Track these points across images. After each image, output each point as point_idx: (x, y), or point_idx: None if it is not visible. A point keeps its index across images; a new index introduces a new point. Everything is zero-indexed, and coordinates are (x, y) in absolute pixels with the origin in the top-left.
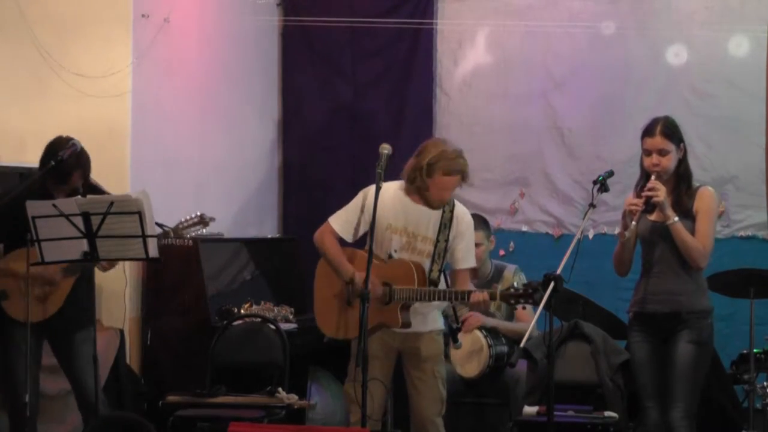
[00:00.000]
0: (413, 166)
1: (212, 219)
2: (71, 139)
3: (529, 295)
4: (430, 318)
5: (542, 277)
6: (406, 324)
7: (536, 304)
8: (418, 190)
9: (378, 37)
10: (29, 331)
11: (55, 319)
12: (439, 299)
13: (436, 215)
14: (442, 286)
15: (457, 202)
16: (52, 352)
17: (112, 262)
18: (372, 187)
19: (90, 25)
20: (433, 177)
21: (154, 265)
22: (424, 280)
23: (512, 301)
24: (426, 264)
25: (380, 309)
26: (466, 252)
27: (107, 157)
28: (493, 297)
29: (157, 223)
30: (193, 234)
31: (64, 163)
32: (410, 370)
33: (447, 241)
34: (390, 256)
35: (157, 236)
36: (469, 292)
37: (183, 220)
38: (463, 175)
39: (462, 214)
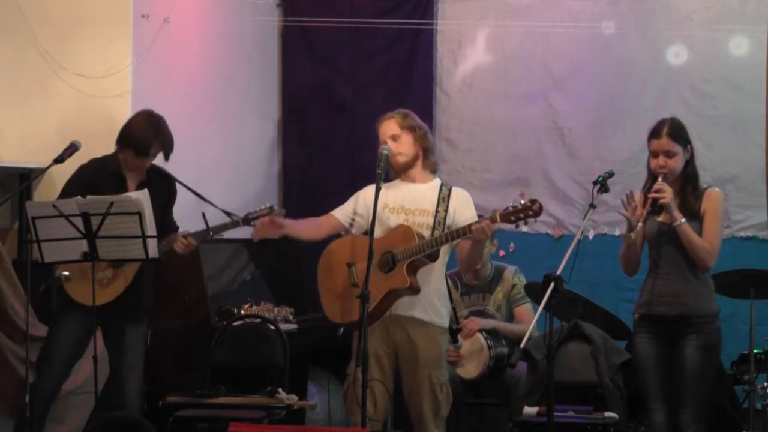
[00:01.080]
0: None
1: (283, 210)
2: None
3: (528, 207)
4: (432, 308)
5: (542, 278)
6: (416, 287)
7: (537, 215)
8: (397, 164)
9: (378, 37)
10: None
11: (112, 307)
12: (442, 243)
13: (433, 192)
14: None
15: (455, 187)
16: (104, 341)
17: (189, 243)
18: (367, 188)
19: (90, 25)
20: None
21: (154, 266)
22: (423, 238)
23: (513, 218)
24: (426, 235)
25: (386, 277)
26: (471, 221)
27: None
28: (494, 220)
29: (225, 212)
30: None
31: (142, 138)
32: (405, 375)
33: (446, 211)
34: None
35: (227, 225)
36: (470, 225)
37: (254, 210)
38: (399, 116)
39: (460, 191)
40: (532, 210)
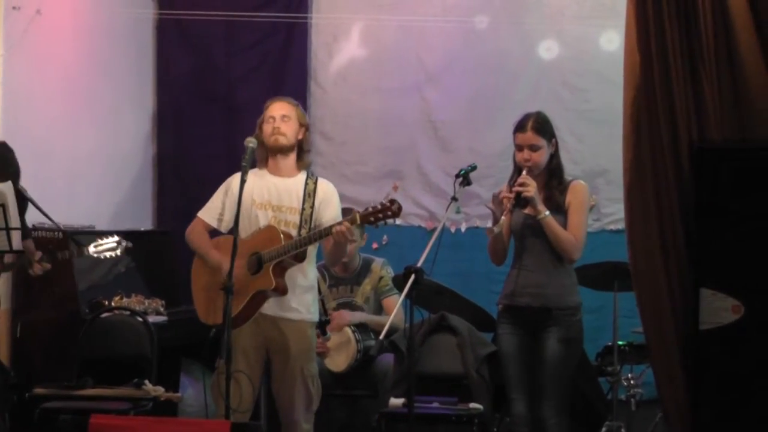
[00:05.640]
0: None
1: (129, 245)
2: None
3: (387, 208)
4: (304, 305)
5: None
6: (282, 288)
7: (396, 215)
8: (266, 147)
9: (253, 30)
10: None
11: None
12: (306, 245)
13: (299, 186)
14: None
15: (320, 177)
16: None
17: (43, 264)
18: (235, 176)
19: None
20: (263, 119)
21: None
22: (290, 237)
23: (372, 219)
24: (294, 234)
25: (253, 279)
26: (334, 220)
27: None
28: (353, 221)
29: (72, 238)
30: (109, 255)
31: None
32: (277, 367)
33: (312, 207)
34: None
35: (71, 250)
36: (332, 226)
37: (100, 240)
38: (297, 106)
39: (325, 184)
40: (390, 210)
